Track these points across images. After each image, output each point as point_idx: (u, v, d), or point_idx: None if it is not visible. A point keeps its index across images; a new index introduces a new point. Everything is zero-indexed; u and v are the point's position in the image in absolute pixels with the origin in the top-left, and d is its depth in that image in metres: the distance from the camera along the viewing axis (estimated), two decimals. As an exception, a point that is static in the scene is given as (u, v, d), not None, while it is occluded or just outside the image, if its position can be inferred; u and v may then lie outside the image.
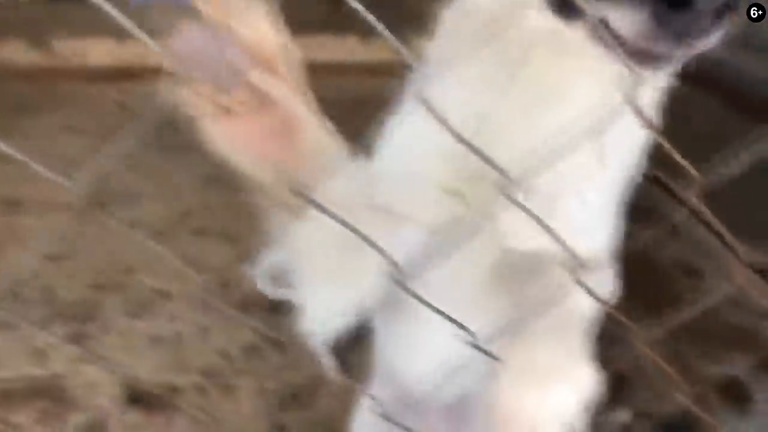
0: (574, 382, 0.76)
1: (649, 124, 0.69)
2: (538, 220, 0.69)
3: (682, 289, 2.91)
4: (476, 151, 0.61)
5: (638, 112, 0.64)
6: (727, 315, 2.64)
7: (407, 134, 0.86)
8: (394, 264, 0.69)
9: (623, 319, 0.82)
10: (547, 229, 0.70)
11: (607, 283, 0.95)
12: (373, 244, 0.67)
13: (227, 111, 0.67)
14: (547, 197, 0.79)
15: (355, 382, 1.50)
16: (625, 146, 0.86)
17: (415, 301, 0.73)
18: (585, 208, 0.88)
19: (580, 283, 0.73)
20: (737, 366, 2.25)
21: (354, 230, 0.66)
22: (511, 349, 0.77)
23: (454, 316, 0.74)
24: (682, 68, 0.78)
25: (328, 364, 1.40)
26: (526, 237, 0.79)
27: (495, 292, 0.86)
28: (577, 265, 0.75)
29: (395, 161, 0.88)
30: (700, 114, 2.62)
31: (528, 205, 0.70)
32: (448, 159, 0.78)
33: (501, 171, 0.63)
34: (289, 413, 1.81)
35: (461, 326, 0.74)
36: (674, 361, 2.23)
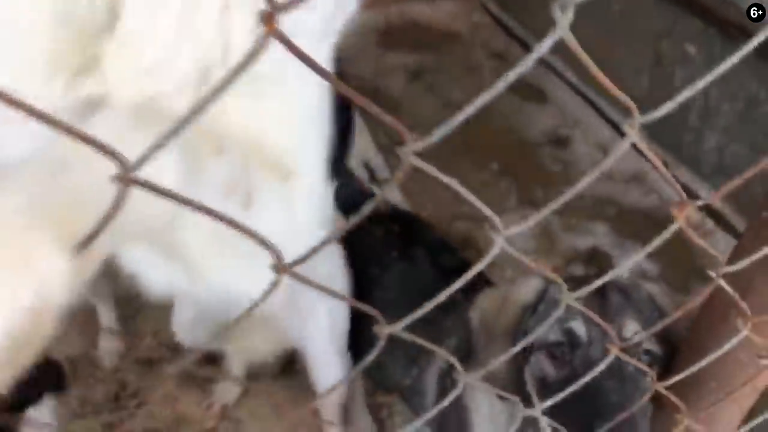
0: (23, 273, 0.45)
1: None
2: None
3: (549, 159, 2.58)
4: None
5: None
6: (593, 185, 2.51)
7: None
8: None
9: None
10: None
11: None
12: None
13: None
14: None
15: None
16: None
17: None
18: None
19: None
20: (599, 236, 2.23)
21: None
22: None
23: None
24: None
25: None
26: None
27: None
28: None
29: None
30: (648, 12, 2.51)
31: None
32: (62, 22, 0.64)
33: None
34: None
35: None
36: (543, 236, 2.58)
